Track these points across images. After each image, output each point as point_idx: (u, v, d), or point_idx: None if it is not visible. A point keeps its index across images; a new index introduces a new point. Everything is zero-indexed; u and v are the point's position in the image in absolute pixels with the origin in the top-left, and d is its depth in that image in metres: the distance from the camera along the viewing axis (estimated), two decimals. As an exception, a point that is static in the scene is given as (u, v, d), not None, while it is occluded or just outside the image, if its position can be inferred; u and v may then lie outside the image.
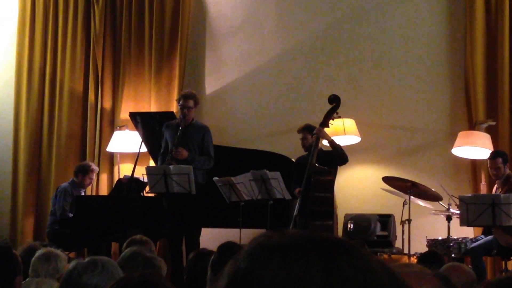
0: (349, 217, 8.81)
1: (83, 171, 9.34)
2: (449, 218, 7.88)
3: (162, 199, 8.31)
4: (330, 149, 8.25)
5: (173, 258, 8.18)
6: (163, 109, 9.95)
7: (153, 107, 10.22)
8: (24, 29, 10.84)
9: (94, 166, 9.57)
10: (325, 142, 8.37)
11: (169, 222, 8.19)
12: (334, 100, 8.21)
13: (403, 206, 8.12)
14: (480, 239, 8.07)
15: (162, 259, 4.39)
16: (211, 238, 8.38)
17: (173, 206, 8.11)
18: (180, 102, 8.24)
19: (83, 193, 9.43)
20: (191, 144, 8.21)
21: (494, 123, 9.08)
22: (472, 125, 9.14)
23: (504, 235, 7.76)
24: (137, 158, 8.58)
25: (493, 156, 8.22)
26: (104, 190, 10.23)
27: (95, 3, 10.60)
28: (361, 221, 8.74)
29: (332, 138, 8.38)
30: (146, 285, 2.10)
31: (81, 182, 9.34)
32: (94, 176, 9.56)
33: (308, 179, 7.99)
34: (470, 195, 7.99)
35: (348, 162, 8.31)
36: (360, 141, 9.33)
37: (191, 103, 8.21)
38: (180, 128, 8.12)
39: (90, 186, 10.06)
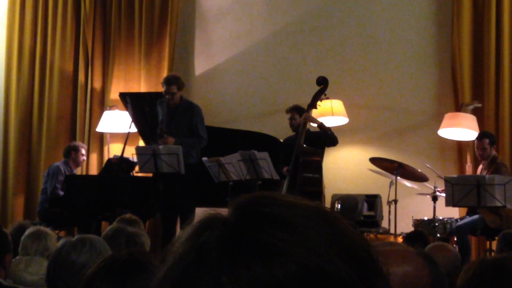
0: (336, 198, 8.87)
1: (74, 149, 9.40)
2: (434, 199, 7.96)
3: (159, 181, 8.30)
4: (318, 129, 8.31)
5: (166, 238, 8.21)
6: (152, 90, 9.97)
7: (143, 88, 10.25)
8: (14, 10, 10.81)
9: (81, 143, 9.68)
10: (314, 125, 8.42)
11: (163, 202, 8.22)
12: (322, 82, 8.26)
13: (390, 186, 8.19)
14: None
15: (148, 236, 4.46)
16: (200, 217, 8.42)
17: (167, 186, 8.13)
18: (164, 88, 8.22)
19: (75, 172, 9.49)
20: (180, 126, 8.21)
21: (480, 105, 9.15)
22: (458, 107, 9.21)
23: (492, 216, 7.83)
24: (126, 138, 8.62)
25: (480, 136, 8.30)
26: (94, 170, 10.27)
27: (85, -16, 10.59)
28: (348, 202, 8.81)
29: (320, 118, 8.44)
30: (133, 264, 2.11)
31: (75, 160, 9.36)
32: (85, 152, 9.58)
33: (296, 160, 8.05)
34: (455, 176, 8.08)
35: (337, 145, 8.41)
36: (348, 122, 9.39)
37: (173, 88, 8.15)
38: (161, 118, 8.13)
39: (80, 166, 10.13)
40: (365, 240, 0.87)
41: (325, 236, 0.82)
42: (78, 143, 9.65)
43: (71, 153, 9.39)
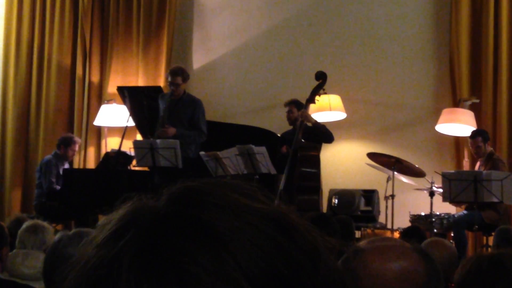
0: (333, 192, 8.88)
1: (65, 143, 9.30)
2: (432, 194, 7.97)
3: (154, 175, 8.30)
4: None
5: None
6: (150, 84, 9.98)
7: (140, 82, 10.24)
8: (12, 2, 10.80)
9: (77, 138, 9.53)
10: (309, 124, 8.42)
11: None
12: (321, 77, 8.27)
13: (387, 181, 8.19)
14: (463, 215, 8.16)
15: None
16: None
17: (164, 181, 8.11)
18: (169, 79, 8.26)
19: (67, 166, 9.43)
20: (180, 119, 8.21)
21: (477, 100, 9.16)
22: (456, 103, 9.21)
23: (490, 212, 7.83)
24: (124, 132, 8.61)
25: (473, 135, 8.30)
26: (91, 164, 10.27)
27: (83, -23, 10.58)
28: (346, 196, 8.82)
29: (318, 113, 8.43)
30: None
31: (64, 154, 9.31)
32: (77, 148, 9.51)
33: (294, 155, 8.05)
34: (453, 171, 8.08)
35: (333, 141, 8.42)
36: (346, 117, 9.39)
37: (179, 79, 8.20)
38: (164, 108, 8.13)
39: (77, 160, 10.12)
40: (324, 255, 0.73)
41: (263, 260, 0.68)
42: (73, 137, 9.47)
43: (61, 147, 9.29)
